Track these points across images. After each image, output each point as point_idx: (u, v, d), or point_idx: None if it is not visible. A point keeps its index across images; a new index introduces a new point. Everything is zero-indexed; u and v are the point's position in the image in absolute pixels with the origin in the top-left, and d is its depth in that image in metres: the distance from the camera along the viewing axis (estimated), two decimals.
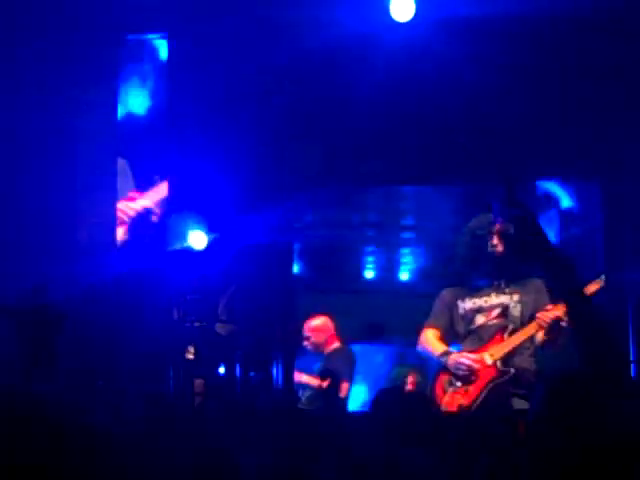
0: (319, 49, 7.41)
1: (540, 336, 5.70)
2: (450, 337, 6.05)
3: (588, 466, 1.79)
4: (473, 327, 5.90)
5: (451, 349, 5.94)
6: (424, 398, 5.05)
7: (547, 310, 5.55)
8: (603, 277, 5.84)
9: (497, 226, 5.80)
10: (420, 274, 6.36)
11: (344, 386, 6.66)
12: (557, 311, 5.35)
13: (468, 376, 5.71)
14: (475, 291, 5.97)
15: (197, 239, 8.06)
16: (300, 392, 6.82)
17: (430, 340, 5.96)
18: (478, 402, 5.64)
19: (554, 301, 5.40)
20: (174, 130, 7.88)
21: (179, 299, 7.96)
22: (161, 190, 7.98)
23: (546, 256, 2.28)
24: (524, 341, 5.75)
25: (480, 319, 5.87)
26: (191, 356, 8.00)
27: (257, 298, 8.07)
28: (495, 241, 5.87)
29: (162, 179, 8.08)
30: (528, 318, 5.76)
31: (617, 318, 7.46)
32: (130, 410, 4.60)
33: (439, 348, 5.92)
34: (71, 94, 7.91)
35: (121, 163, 7.98)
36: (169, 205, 7.97)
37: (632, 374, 7.22)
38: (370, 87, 7.53)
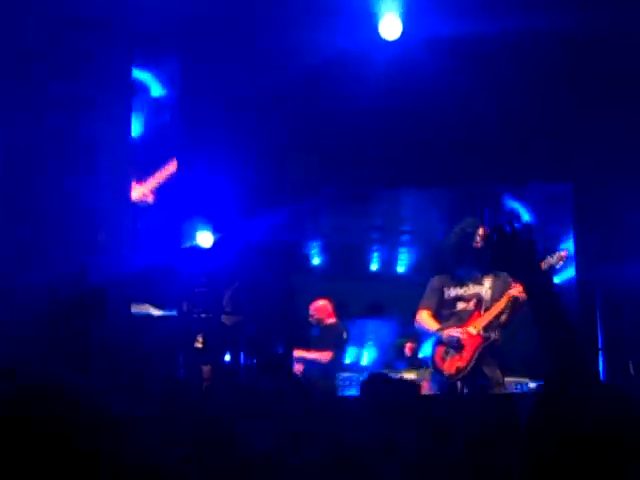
0: (316, 66, 7.47)
1: (504, 318, 6.76)
2: (438, 316, 6.93)
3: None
4: (455, 310, 6.88)
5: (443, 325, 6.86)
6: (406, 384, 5.33)
7: (512, 287, 6.55)
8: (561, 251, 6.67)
9: (481, 229, 6.20)
10: (413, 268, 7.32)
11: (327, 354, 7.29)
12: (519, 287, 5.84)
13: (459, 345, 6.72)
14: (458, 281, 6.88)
15: (204, 239, 8.14)
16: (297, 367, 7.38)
17: (425, 319, 6.89)
18: (472, 363, 6.70)
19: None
20: (185, 141, 7.90)
21: (188, 292, 8.00)
22: (157, 178, 7.88)
23: (524, 277, 2.20)
24: (497, 314, 6.74)
25: (461, 305, 6.86)
26: (199, 345, 8.05)
27: (259, 292, 8.14)
28: (478, 239, 6.39)
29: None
30: (497, 297, 6.77)
31: (587, 311, 7.56)
32: (147, 394, 4.66)
33: (434, 326, 6.86)
34: (90, 103, 7.88)
35: None
36: (183, 211, 7.96)
37: (599, 362, 7.31)
38: (362, 100, 7.63)
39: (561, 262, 6.70)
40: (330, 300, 7.37)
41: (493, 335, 6.77)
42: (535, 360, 6.01)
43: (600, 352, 7.53)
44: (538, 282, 2.17)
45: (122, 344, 6.59)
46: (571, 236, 7.78)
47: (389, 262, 7.33)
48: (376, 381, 4.96)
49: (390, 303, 7.32)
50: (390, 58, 7.60)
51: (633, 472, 1.68)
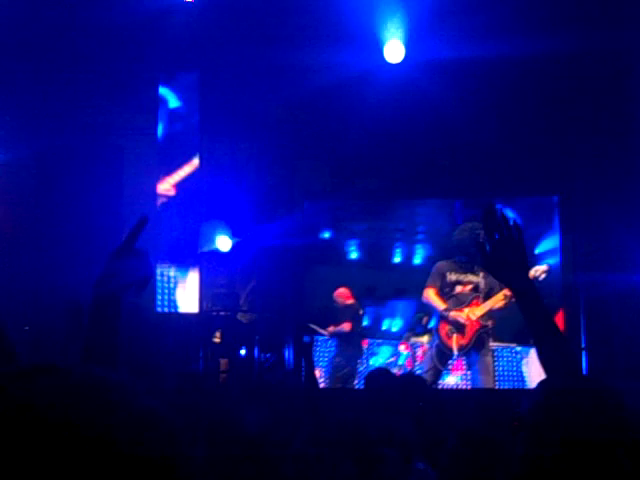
0: (325, 85, 7.55)
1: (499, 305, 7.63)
2: (441, 294, 7.84)
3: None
4: (453, 293, 7.72)
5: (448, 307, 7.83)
6: (413, 377, 5.46)
7: None
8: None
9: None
10: (426, 260, 8.16)
11: (347, 325, 8.19)
12: None
13: (461, 327, 7.63)
14: (458, 268, 7.72)
15: (223, 243, 8.18)
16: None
17: (432, 297, 7.80)
18: (472, 342, 7.64)
19: None
20: (204, 154, 7.96)
21: (207, 292, 8.04)
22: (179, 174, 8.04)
23: (515, 282, 2.13)
24: (495, 305, 7.53)
25: (458, 288, 7.72)
26: (217, 340, 8.09)
27: (273, 292, 8.18)
28: (482, 235, 6.49)
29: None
30: (490, 290, 7.54)
31: (571, 313, 7.59)
32: (168, 384, 4.69)
33: (441, 305, 7.76)
34: (120, 117, 7.95)
35: None
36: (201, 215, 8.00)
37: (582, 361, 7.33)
38: (367, 117, 7.72)
39: (543, 275, 7.40)
40: (348, 287, 8.27)
41: (490, 323, 7.64)
42: (519, 329, 7.30)
43: (583, 352, 7.54)
44: (529, 286, 2.11)
45: (148, 339, 6.61)
46: (545, 242, 7.89)
47: (408, 255, 8.24)
48: (379, 375, 4.99)
49: (410, 287, 8.23)
50: (393, 79, 7.69)
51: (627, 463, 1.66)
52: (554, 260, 7.73)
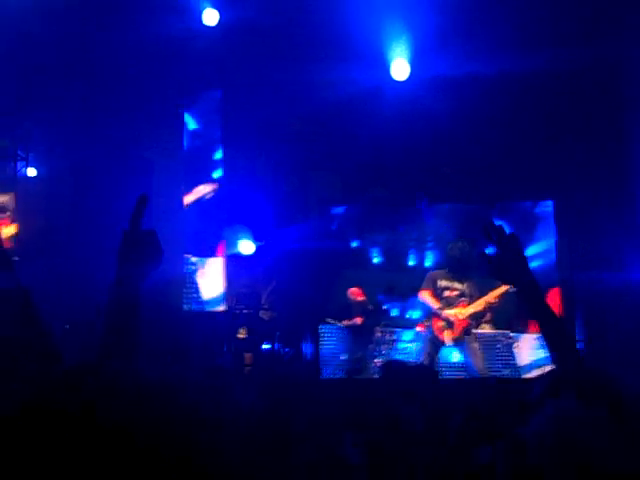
0: (336, 101, 7.64)
1: (487, 315, 8.29)
2: (435, 295, 8.38)
3: None
4: (443, 296, 8.28)
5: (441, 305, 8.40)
6: (425, 369, 5.50)
7: (488, 294, 8.08)
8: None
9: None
10: (435, 264, 8.64)
11: (359, 319, 8.51)
12: (489, 297, 8.07)
13: (452, 323, 8.21)
14: (449, 276, 8.27)
15: (246, 246, 8.25)
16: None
17: (427, 297, 8.34)
18: (460, 336, 8.17)
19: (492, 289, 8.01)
20: (226, 166, 8.04)
21: (232, 292, 8.10)
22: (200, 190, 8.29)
23: (518, 281, 2.21)
24: (477, 309, 8.17)
25: (446, 293, 8.29)
26: (242, 335, 8.14)
27: (292, 292, 8.23)
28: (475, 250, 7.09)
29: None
30: (471, 297, 8.18)
31: (568, 310, 7.60)
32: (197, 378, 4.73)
33: (435, 304, 8.29)
34: (148, 133, 8.04)
35: None
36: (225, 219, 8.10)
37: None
38: (375, 130, 7.80)
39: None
40: (360, 287, 8.66)
41: (474, 323, 8.26)
42: (512, 318, 7.99)
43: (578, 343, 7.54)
44: (532, 283, 2.19)
45: (177, 336, 6.66)
46: (534, 245, 8.05)
47: (420, 260, 8.79)
48: (394, 366, 5.00)
49: (419, 287, 8.67)
50: (399, 95, 7.79)
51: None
52: (537, 263, 7.95)
